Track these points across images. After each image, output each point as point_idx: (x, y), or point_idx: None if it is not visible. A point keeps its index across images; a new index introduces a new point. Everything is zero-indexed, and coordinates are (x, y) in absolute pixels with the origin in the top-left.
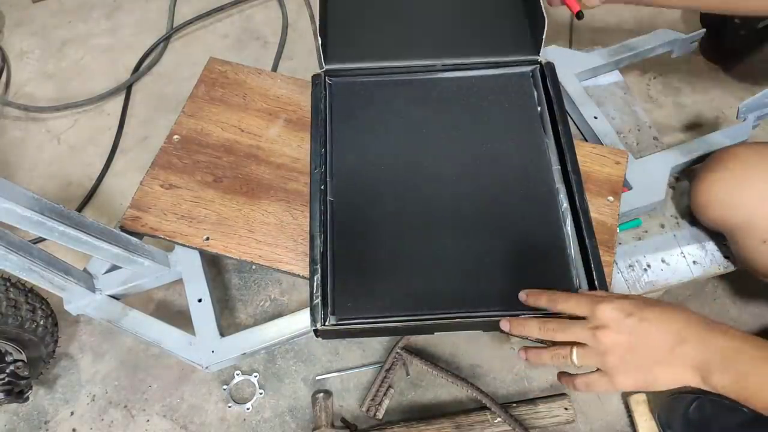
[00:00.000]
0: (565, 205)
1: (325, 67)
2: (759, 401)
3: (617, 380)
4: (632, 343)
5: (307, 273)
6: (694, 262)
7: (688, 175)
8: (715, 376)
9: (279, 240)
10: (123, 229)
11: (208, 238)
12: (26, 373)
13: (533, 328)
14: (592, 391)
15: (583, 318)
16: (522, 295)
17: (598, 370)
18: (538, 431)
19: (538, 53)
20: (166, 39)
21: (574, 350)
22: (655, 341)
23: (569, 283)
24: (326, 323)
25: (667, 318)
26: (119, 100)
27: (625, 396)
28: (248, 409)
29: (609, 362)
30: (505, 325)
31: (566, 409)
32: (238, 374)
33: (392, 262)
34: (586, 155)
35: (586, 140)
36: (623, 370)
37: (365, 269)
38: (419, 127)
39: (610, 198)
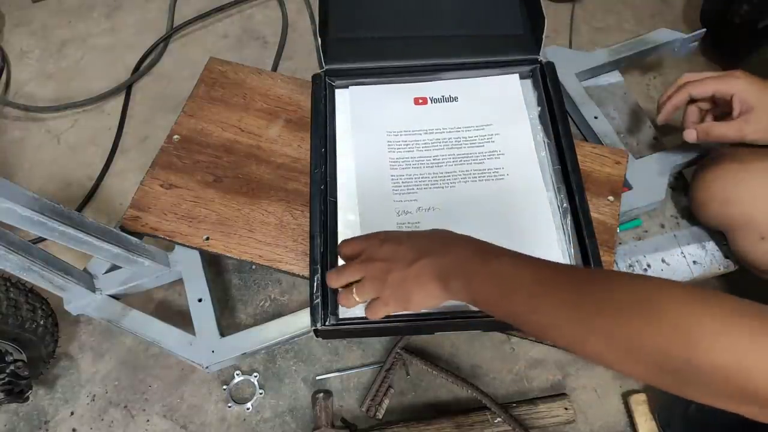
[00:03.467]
0: (565, 205)
1: (325, 67)
2: (481, 300)
3: (390, 305)
4: (386, 265)
5: (307, 273)
6: (694, 262)
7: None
8: (451, 283)
9: (279, 240)
10: (123, 229)
11: (208, 238)
12: (26, 373)
13: (331, 278)
14: (377, 317)
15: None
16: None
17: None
18: (538, 431)
19: (538, 53)
20: (166, 39)
21: (354, 289)
22: (402, 258)
23: None
24: (326, 323)
25: (423, 236)
26: (119, 100)
27: (625, 396)
28: (248, 409)
29: (374, 288)
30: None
31: (566, 409)
32: (238, 374)
33: None
34: (586, 155)
35: (586, 140)
36: (388, 292)
37: None
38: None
39: (610, 198)
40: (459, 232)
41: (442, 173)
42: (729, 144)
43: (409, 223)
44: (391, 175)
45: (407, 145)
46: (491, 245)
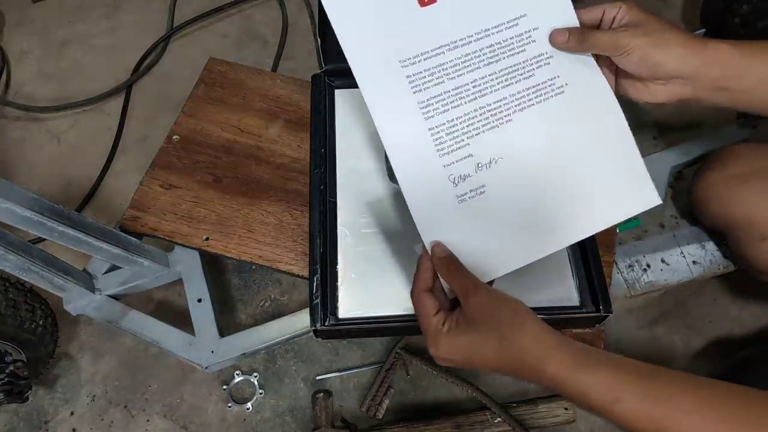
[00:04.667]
0: None
1: (325, 67)
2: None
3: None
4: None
5: (307, 273)
6: (694, 262)
7: (688, 175)
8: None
9: (279, 240)
10: (123, 229)
11: (207, 238)
12: (26, 373)
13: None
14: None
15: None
16: None
17: None
18: (538, 431)
19: None
20: (166, 39)
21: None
22: (488, 370)
23: (568, 282)
24: (326, 323)
25: (496, 361)
26: (119, 100)
27: None
28: (248, 409)
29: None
30: None
31: (566, 409)
32: (238, 374)
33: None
34: None
35: None
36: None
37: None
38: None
39: None
40: (540, 186)
41: (489, 106)
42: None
43: (473, 193)
44: (429, 129)
45: (432, 74)
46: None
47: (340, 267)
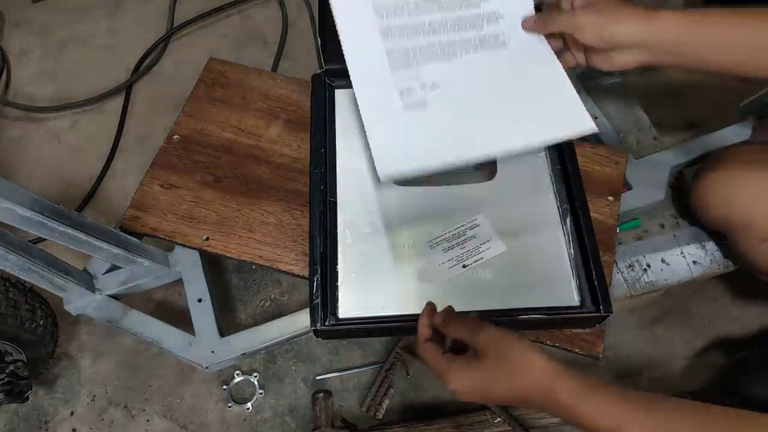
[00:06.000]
0: (565, 205)
1: (325, 67)
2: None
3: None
4: (484, 401)
5: (307, 273)
6: (694, 262)
7: (688, 175)
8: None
9: (279, 240)
10: (123, 229)
11: (207, 238)
12: (26, 373)
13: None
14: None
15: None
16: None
17: None
18: (538, 431)
19: None
20: (166, 39)
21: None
22: (502, 402)
23: (569, 283)
24: (326, 323)
25: (510, 392)
26: (119, 100)
27: None
28: (248, 409)
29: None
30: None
31: None
32: (238, 374)
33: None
34: (586, 155)
35: (586, 140)
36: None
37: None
38: None
39: (610, 198)
40: (467, 115)
41: (440, 43)
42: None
43: (417, 105)
44: (386, 49)
45: (395, 9)
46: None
47: (340, 267)
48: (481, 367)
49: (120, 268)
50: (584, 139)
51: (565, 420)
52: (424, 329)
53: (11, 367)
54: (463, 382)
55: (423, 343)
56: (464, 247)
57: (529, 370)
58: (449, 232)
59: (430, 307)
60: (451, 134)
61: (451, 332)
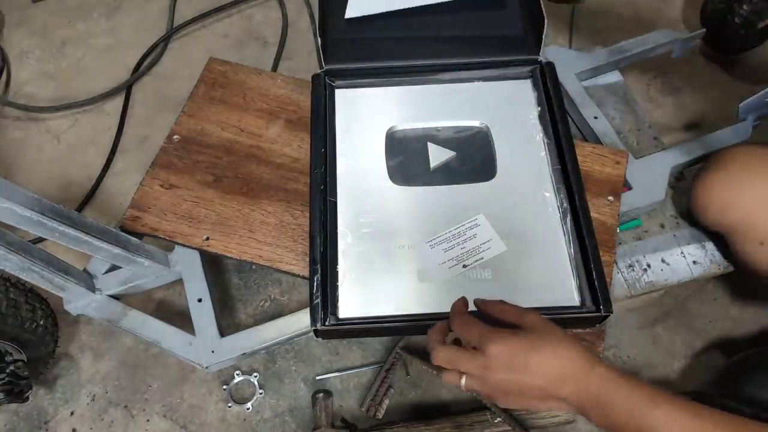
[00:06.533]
0: (565, 205)
1: (325, 67)
2: None
3: (501, 403)
4: (514, 382)
5: (307, 273)
6: (694, 262)
7: (688, 176)
8: (590, 416)
9: (279, 240)
10: (123, 229)
11: (208, 238)
12: (26, 373)
13: (434, 354)
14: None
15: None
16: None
17: None
18: (537, 431)
19: (538, 53)
20: (166, 39)
21: (463, 378)
22: (536, 381)
23: (569, 283)
24: (326, 323)
25: (550, 360)
26: (119, 100)
27: None
28: (248, 409)
29: (493, 395)
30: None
31: None
32: (238, 374)
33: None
34: (586, 155)
35: (586, 140)
36: (506, 401)
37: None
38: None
39: (610, 198)
40: None
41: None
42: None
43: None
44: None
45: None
46: (632, 384)
47: (340, 267)
48: (527, 336)
49: (120, 268)
50: (585, 139)
51: (593, 408)
52: (459, 305)
53: (11, 367)
54: (503, 344)
55: (462, 315)
56: (464, 247)
57: (572, 346)
58: (449, 231)
59: (461, 302)
60: None
61: (495, 311)
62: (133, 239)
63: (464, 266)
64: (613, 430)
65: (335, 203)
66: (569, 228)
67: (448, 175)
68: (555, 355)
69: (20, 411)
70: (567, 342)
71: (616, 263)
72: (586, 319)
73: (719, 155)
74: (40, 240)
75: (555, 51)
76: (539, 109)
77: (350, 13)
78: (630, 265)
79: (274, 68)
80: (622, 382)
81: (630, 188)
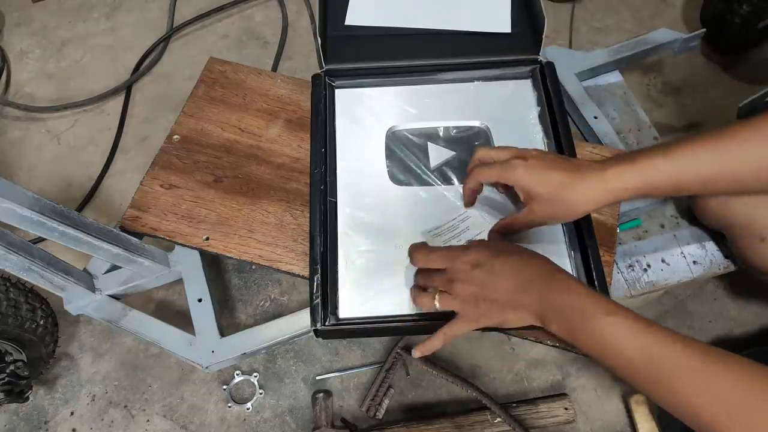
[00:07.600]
0: None
1: (325, 67)
2: (584, 349)
3: (473, 323)
4: (481, 293)
5: (307, 273)
6: (694, 262)
7: None
8: (552, 326)
9: (279, 240)
10: (123, 229)
11: (208, 238)
12: (26, 373)
13: (419, 278)
14: (456, 336)
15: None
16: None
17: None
18: (538, 431)
19: (538, 53)
20: (166, 39)
21: (437, 296)
22: (501, 289)
23: None
24: (326, 323)
25: (514, 267)
26: (119, 100)
27: (626, 397)
28: (248, 409)
29: (464, 308)
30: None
31: (566, 409)
32: (238, 374)
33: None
34: (586, 155)
35: (586, 140)
36: (476, 314)
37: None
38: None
39: None
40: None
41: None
42: None
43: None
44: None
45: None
46: (590, 292)
47: (340, 267)
48: (489, 246)
49: (120, 268)
50: (585, 139)
51: (553, 314)
52: (415, 245)
53: (11, 367)
54: (468, 252)
55: (420, 248)
56: None
57: (538, 256)
58: (449, 232)
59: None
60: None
61: (425, 263)
62: (133, 239)
63: None
64: (570, 339)
65: (335, 203)
66: (569, 228)
67: (448, 175)
68: (522, 260)
69: (20, 411)
70: (532, 252)
71: (616, 263)
72: None
73: None
74: (40, 240)
75: (555, 51)
76: (539, 109)
77: (349, 21)
78: (630, 265)
79: (274, 68)
80: (581, 289)
81: None
